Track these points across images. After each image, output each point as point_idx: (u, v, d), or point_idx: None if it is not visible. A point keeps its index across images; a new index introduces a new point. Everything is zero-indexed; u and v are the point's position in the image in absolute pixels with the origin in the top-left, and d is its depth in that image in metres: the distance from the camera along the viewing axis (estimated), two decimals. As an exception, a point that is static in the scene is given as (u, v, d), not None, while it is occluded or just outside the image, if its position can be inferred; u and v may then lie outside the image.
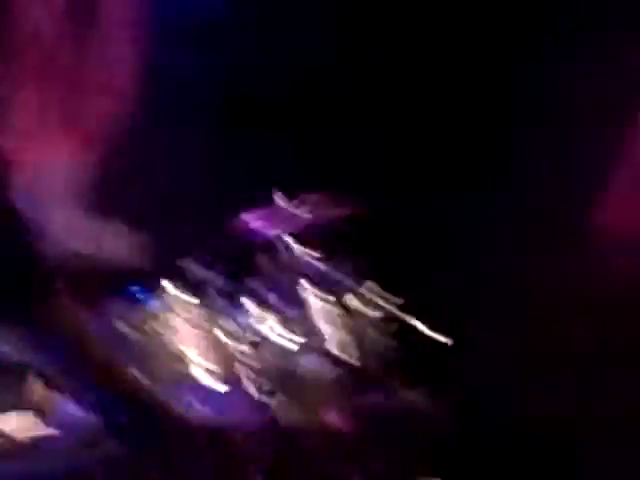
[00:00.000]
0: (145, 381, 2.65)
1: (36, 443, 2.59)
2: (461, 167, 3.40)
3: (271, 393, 2.78)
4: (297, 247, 3.09)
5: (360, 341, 2.90)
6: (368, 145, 3.38)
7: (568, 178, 3.28)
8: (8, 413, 2.74)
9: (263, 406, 2.79)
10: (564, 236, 3.19)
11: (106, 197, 3.23)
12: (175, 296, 3.01)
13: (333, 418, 2.76)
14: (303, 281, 3.04)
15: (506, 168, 3.33)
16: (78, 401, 2.57)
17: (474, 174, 3.37)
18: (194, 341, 2.94)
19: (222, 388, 2.80)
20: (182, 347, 2.92)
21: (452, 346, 2.86)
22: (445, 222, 3.28)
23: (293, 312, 3.00)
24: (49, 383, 2.86)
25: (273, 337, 2.93)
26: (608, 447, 2.94)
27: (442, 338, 2.86)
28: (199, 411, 2.64)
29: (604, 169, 3.34)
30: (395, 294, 2.92)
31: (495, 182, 3.28)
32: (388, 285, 2.95)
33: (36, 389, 2.97)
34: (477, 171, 3.39)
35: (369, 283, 2.98)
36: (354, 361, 2.86)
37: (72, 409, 2.55)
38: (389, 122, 3.46)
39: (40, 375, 2.89)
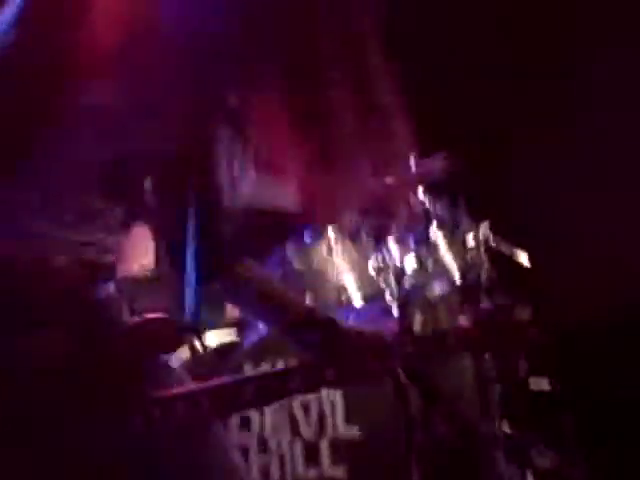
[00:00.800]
0: (316, 305, 3.55)
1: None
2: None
3: (406, 309, 3.64)
4: (429, 199, 3.80)
5: (473, 268, 3.67)
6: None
7: None
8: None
9: (400, 317, 3.63)
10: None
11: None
12: (336, 239, 3.83)
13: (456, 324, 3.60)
14: (432, 225, 3.78)
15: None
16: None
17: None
18: (350, 274, 3.77)
19: (369, 308, 3.67)
20: (341, 279, 3.75)
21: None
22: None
23: (424, 249, 3.77)
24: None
25: (408, 267, 3.73)
26: None
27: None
28: (355, 325, 3.47)
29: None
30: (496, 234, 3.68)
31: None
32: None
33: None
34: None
35: (482, 225, 3.72)
36: (467, 282, 3.66)
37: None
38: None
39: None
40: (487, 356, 3.62)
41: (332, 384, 2.43)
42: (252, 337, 3.65)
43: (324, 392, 3.48)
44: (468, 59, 4.48)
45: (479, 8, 4.36)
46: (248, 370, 3.46)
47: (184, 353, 3.54)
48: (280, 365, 3.35)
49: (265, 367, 3.45)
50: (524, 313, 3.78)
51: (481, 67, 4.40)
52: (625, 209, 3.78)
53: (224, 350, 3.70)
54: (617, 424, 3.86)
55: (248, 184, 4.07)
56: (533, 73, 4.38)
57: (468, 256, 3.77)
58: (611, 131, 4.16)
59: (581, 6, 4.30)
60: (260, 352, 3.53)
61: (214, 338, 3.76)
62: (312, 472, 3.45)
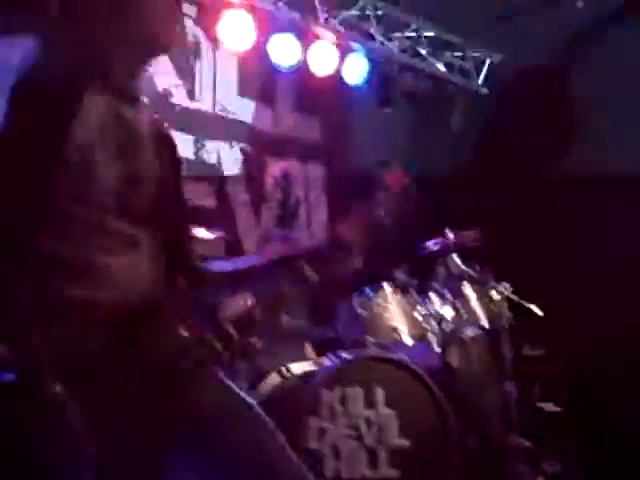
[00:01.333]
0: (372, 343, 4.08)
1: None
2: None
3: (446, 348, 4.21)
4: (460, 262, 4.37)
5: (497, 316, 4.22)
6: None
7: None
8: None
9: (442, 353, 4.20)
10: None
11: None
12: (390, 292, 4.31)
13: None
14: (465, 282, 4.35)
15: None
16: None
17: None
18: (401, 319, 4.26)
19: (417, 346, 4.21)
20: (394, 323, 4.24)
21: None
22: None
23: (459, 301, 4.32)
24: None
25: (447, 315, 4.29)
26: None
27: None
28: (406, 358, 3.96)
29: None
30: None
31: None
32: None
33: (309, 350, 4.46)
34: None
35: (503, 283, 4.31)
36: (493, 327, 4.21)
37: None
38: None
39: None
40: (511, 387, 4.13)
41: None
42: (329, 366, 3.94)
43: (382, 409, 3.85)
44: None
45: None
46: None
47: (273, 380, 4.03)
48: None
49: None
50: (538, 351, 4.44)
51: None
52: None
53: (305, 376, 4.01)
54: (610, 441, 4.38)
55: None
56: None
57: (494, 307, 4.26)
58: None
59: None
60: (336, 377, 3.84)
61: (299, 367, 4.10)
62: (373, 473, 3.79)
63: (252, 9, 5.28)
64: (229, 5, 5.24)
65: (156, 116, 2.14)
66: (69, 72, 1.89)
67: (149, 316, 1.94)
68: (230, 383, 2.08)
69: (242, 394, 2.07)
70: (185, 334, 2.01)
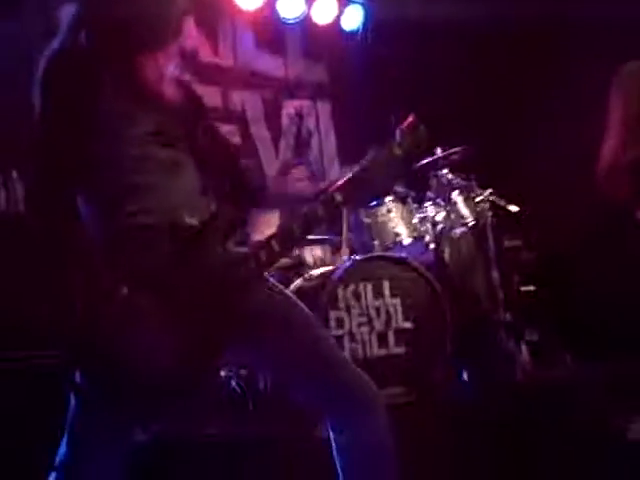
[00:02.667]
0: (378, 245, 4.26)
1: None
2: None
3: (439, 245, 4.36)
4: (451, 175, 4.49)
5: (481, 216, 4.35)
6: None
7: None
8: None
9: (435, 250, 4.36)
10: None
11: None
12: (391, 202, 4.41)
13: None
14: (454, 190, 4.47)
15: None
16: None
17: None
18: (401, 224, 4.40)
19: (415, 245, 4.39)
20: (396, 228, 4.38)
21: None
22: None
23: (449, 206, 4.45)
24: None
25: (439, 219, 4.45)
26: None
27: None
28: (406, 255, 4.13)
29: None
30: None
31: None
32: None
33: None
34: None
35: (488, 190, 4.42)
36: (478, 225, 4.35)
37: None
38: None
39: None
40: (495, 273, 4.31)
41: None
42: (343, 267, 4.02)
43: (388, 299, 3.97)
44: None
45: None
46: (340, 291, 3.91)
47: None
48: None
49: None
50: (516, 242, 4.57)
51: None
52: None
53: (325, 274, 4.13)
54: (578, 312, 4.54)
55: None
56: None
57: (478, 209, 4.37)
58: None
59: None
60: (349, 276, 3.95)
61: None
62: (383, 351, 3.93)
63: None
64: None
65: (186, 77, 2.24)
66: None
67: (203, 229, 2.05)
68: (280, 287, 2.21)
69: (293, 299, 2.20)
70: (235, 248, 2.11)
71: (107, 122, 1.98)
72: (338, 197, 2.15)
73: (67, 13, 2.09)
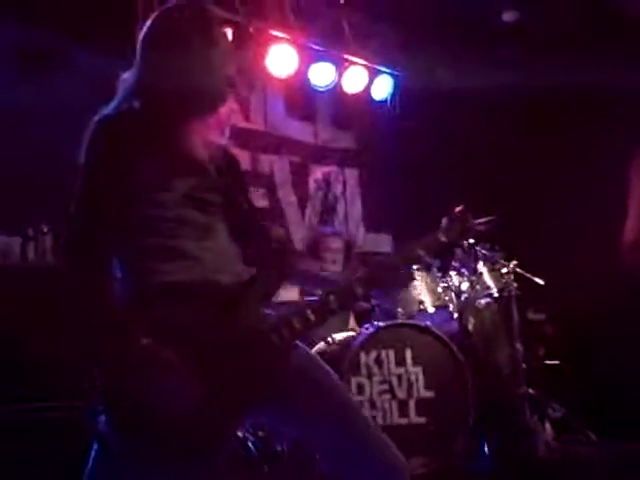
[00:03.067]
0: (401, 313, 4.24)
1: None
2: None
3: (463, 314, 4.33)
4: (476, 246, 4.45)
5: (506, 288, 4.34)
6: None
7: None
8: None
9: (459, 319, 4.33)
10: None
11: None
12: (416, 270, 4.36)
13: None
14: (479, 260, 4.45)
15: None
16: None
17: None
18: (426, 292, 4.37)
19: (439, 314, 4.35)
20: (420, 296, 4.35)
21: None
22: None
23: (474, 276, 4.44)
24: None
25: (464, 289, 4.42)
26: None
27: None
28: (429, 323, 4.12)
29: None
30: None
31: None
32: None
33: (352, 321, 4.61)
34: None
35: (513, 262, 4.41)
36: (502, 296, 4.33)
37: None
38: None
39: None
40: (518, 345, 4.27)
41: None
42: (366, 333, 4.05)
43: (410, 367, 3.96)
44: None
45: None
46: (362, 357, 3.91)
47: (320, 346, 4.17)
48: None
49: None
50: (540, 315, 4.55)
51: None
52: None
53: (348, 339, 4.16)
54: (602, 388, 4.47)
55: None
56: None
57: (503, 280, 4.35)
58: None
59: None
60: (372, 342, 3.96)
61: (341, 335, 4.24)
62: (404, 420, 3.91)
63: (294, 42, 5.49)
64: (275, 39, 5.45)
65: (224, 142, 2.27)
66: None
67: (237, 294, 2.05)
68: (310, 352, 2.19)
69: (321, 362, 2.16)
70: (270, 313, 2.10)
71: (145, 184, 2.02)
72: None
73: (125, 79, 2.15)
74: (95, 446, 1.98)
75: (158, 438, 1.90)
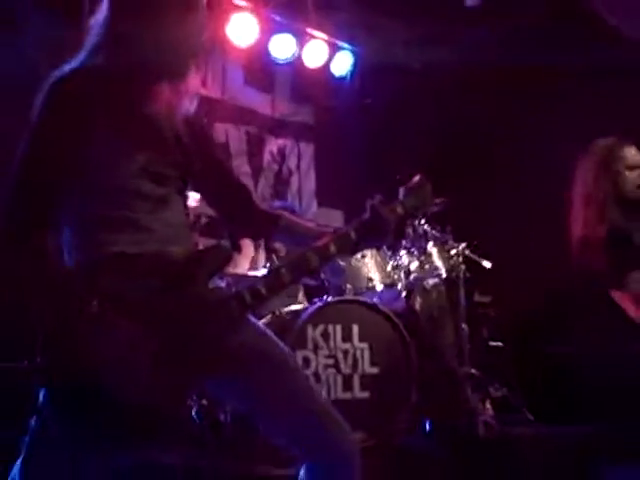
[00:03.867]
0: (350, 289, 4.23)
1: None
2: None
3: (411, 294, 4.36)
4: (427, 226, 4.50)
5: (454, 269, 4.38)
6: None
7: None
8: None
9: (406, 298, 4.35)
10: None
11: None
12: (368, 250, 4.36)
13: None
14: (429, 241, 4.48)
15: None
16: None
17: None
18: (375, 270, 4.39)
19: (387, 292, 4.38)
20: (369, 274, 4.37)
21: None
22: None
23: (423, 256, 4.45)
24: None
25: (413, 268, 4.42)
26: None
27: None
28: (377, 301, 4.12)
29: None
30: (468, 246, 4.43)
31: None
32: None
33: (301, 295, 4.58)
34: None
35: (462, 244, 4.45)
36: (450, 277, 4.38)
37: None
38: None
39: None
40: (464, 326, 4.33)
41: None
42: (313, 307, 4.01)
43: (356, 343, 3.95)
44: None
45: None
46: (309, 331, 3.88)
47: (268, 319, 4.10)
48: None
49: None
50: (486, 298, 4.61)
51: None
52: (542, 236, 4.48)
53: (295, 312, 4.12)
54: (543, 369, 4.55)
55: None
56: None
57: (451, 262, 4.39)
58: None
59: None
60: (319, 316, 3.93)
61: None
62: (347, 395, 3.91)
63: (256, 12, 5.43)
64: (237, 8, 5.38)
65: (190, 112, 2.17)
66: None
67: (188, 266, 2.00)
68: (261, 327, 2.14)
69: (272, 336, 2.13)
70: (221, 286, 2.07)
71: (100, 152, 1.95)
72: (332, 248, 2.11)
73: (92, 27, 2.05)
74: (34, 420, 1.93)
75: (101, 417, 1.84)
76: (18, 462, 1.98)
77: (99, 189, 1.98)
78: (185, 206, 2.12)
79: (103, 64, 2.00)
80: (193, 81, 2.14)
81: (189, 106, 2.14)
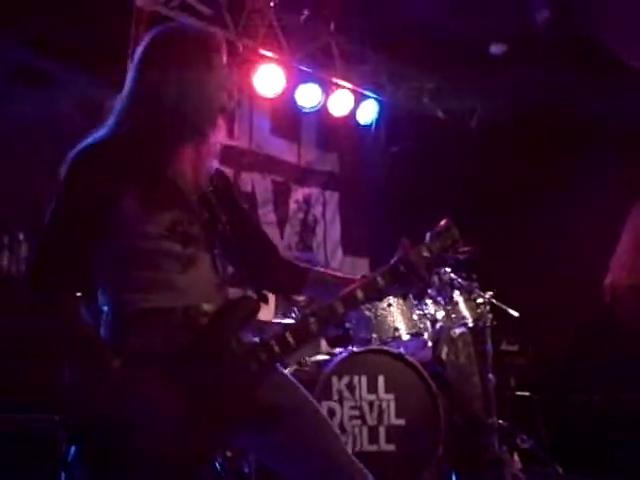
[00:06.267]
0: (377, 339, 4.21)
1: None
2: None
3: (437, 343, 4.35)
4: (453, 274, 4.49)
5: (481, 318, 4.37)
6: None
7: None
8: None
9: (433, 348, 4.35)
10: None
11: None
12: (393, 297, 4.30)
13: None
14: (455, 290, 4.47)
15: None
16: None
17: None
18: (401, 320, 4.33)
19: (414, 342, 4.36)
20: (395, 323, 4.31)
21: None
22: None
23: (449, 305, 4.43)
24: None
25: (439, 317, 4.41)
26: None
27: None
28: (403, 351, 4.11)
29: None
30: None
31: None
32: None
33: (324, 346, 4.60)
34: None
35: (489, 292, 4.45)
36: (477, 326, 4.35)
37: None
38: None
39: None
40: (491, 376, 4.29)
41: None
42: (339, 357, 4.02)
43: (382, 394, 3.95)
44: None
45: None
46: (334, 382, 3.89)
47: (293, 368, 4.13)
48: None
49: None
50: (513, 347, 4.58)
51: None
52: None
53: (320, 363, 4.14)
54: (571, 420, 4.51)
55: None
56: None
57: (478, 310, 4.37)
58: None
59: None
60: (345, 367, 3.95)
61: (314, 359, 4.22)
62: (373, 447, 3.90)
63: (283, 62, 5.54)
64: (263, 59, 5.49)
65: (216, 167, 2.25)
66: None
67: (217, 321, 2.04)
68: (289, 377, 2.16)
69: (300, 387, 2.14)
70: (251, 339, 2.06)
71: (128, 215, 2.01)
72: (360, 295, 2.12)
73: (115, 104, 2.12)
74: (63, 476, 1.99)
75: (131, 474, 1.86)
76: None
77: (128, 250, 2.04)
78: (214, 264, 2.15)
79: (129, 130, 2.07)
80: (217, 137, 2.18)
81: (213, 164, 2.20)
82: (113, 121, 2.11)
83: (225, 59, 2.17)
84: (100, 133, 2.09)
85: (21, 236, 4.16)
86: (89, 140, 2.07)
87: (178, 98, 2.07)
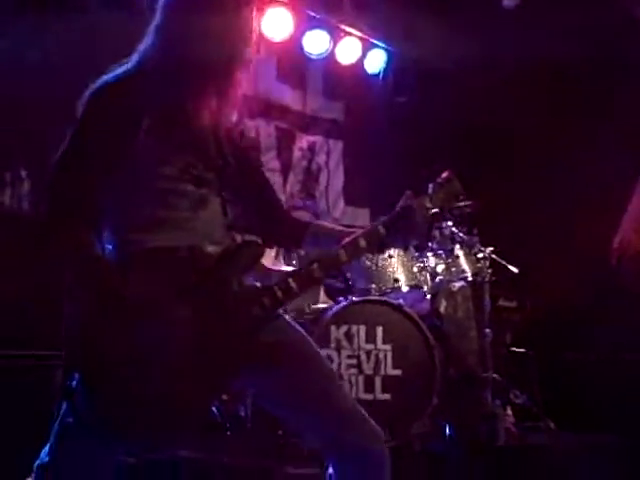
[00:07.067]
0: (376, 290, 4.23)
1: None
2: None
3: (436, 296, 4.37)
4: (454, 229, 4.48)
5: (480, 273, 4.37)
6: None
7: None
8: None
9: (432, 300, 4.38)
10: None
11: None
12: (395, 250, 4.34)
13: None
14: (456, 244, 4.46)
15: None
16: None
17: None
18: (401, 271, 4.35)
19: (413, 293, 4.38)
20: (395, 274, 4.33)
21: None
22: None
23: (450, 259, 4.44)
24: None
25: (439, 270, 4.42)
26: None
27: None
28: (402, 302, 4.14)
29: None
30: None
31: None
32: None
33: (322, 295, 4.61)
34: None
35: (489, 248, 4.45)
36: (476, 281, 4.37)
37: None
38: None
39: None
40: (487, 331, 4.31)
41: None
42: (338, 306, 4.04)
43: (380, 344, 3.97)
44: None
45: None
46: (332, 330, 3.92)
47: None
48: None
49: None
50: (511, 303, 4.61)
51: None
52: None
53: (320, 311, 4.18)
54: (565, 378, 4.57)
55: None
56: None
57: (478, 265, 4.38)
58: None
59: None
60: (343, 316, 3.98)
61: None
62: (369, 396, 3.93)
63: (291, 6, 5.46)
64: (272, 2, 5.41)
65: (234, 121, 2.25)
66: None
67: (221, 263, 2.06)
68: (292, 323, 2.17)
69: (303, 333, 2.17)
70: (253, 283, 2.09)
71: (143, 153, 2.02)
72: (362, 243, 2.15)
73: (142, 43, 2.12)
74: (64, 405, 1.98)
75: (133, 404, 1.89)
76: (47, 446, 2.04)
77: (141, 188, 2.06)
78: (224, 207, 2.17)
79: (152, 70, 2.07)
80: (238, 90, 2.16)
81: (232, 115, 2.20)
82: (136, 59, 2.11)
83: (254, 13, 2.15)
84: (121, 69, 2.09)
85: (24, 173, 4.15)
86: (110, 76, 2.07)
87: (203, 43, 2.05)
